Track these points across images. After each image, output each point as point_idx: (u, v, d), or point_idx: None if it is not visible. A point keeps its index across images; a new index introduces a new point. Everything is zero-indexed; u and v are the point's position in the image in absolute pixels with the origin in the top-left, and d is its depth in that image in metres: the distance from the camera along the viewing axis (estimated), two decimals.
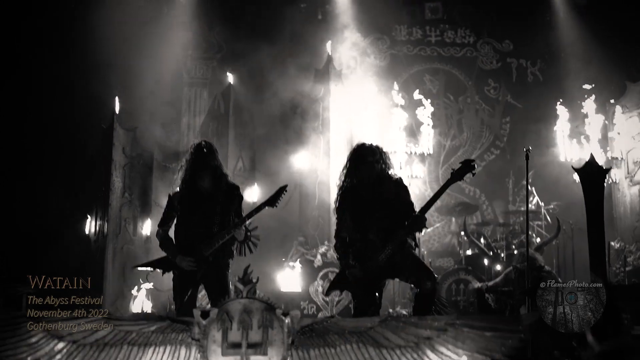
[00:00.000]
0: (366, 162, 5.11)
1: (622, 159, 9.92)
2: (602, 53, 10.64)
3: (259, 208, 5.34)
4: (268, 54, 10.24)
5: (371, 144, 5.26)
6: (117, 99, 9.00)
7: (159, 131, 9.46)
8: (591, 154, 4.51)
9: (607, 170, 4.52)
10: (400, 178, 5.30)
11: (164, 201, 5.67)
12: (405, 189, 5.21)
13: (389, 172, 5.20)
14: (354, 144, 5.57)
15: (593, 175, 4.42)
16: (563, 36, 11.15)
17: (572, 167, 4.58)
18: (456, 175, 4.96)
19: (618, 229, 9.68)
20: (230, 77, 9.81)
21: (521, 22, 11.12)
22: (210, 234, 5.24)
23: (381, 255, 4.97)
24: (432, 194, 10.75)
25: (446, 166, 10.87)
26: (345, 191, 5.22)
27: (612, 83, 10.36)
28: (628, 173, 9.89)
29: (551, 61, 11.32)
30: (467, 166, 4.92)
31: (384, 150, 5.25)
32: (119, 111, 8.97)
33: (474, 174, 4.95)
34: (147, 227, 8.79)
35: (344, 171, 5.25)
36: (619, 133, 9.96)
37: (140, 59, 9.57)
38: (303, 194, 9.94)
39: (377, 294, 5.14)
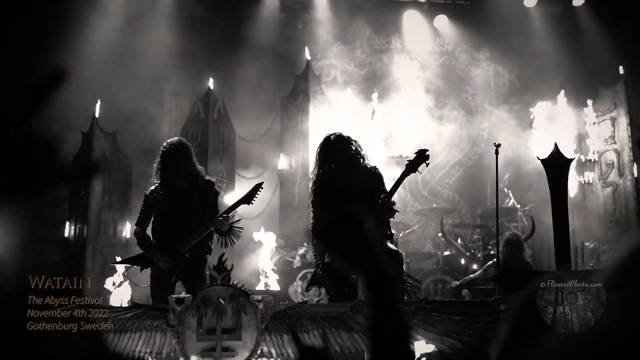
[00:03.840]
0: (335, 148, 5.05)
1: (595, 161, 10.13)
2: (576, 59, 10.91)
3: (234, 205, 5.42)
4: (248, 62, 10.40)
5: (340, 133, 5.20)
6: (97, 104, 9.12)
7: (139, 136, 9.53)
8: (555, 144, 4.64)
9: (571, 160, 4.64)
10: (374, 166, 5.20)
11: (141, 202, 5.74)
12: (379, 177, 5.11)
13: (362, 161, 5.13)
14: None
15: (557, 164, 4.55)
16: (538, 44, 11.37)
17: (537, 157, 4.71)
18: (411, 167, 4.89)
19: (591, 229, 9.85)
20: (211, 82, 9.92)
21: (497, 30, 11.32)
22: (187, 230, 5.32)
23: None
24: (411, 197, 11.01)
25: (426, 170, 10.97)
26: (317, 184, 5.18)
27: (585, 88, 10.57)
28: (601, 175, 10.09)
29: (527, 68, 11.52)
30: (421, 157, 4.87)
31: (354, 138, 5.19)
32: (99, 115, 9.07)
33: (427, 164, 4.91)
34: (127, 230, 8.86)
35: (316, 164, 5.22)
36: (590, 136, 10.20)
37: (121, 66, 9.69)
38: (282, 197, 10.03)
39: (350, 287, 5.14)
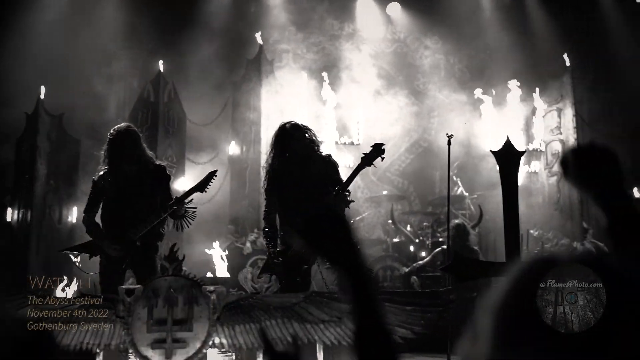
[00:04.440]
0: (293, 137, 5.04)
1: (541, 150, 10.37)
2: (525, 50, 11.09)
3: (188, 193, 5.33)
4: (200, 45, 10.22)
5: (296, 122, 5.20)
6: (42, 86, 8.85)
7: (87, 118, 9.29)
8: (507, 137, 4.71)
9: (522, 153, 4.72)
10: (329, 155, 5.24)
11: (89, 187, 5.60)
12: (333, 166, 5.13)
13: (317, 150, 5.16)
14: None
15: (509, 157, 4.62)
16: (488, 34, 11.50)
17: (490, 150, 4.78)
18: (366, 160, 4.92)
19: (536, 217, 10.09)
20: (161, 65, 9.72)
21: (449, 19, 11.40)
22: (137, 217, 5.21)
23: (298, 243, 4.93)
24: (361, 184, 11.05)
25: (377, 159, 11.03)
26: (273, 172, 5.16)
27: (534, 79, 10.77)
28: (547, 164, 10.34)
29: (477, 57, 11.66)
30: (377, 150, 4.89)
31: (309, 127, 5.21)
32: (45, 97, 8.81)
33: (383, 159, 4.95)
34: (73, 215, 8.64)
35: (271, 153, 5.20)
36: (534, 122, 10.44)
37: (68, 47, 9.42)
38: (233, 182, 9.95)
39: (303, 276, 5.16)
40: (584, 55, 10.97)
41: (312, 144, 5.12)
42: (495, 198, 9.57)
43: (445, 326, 4.81)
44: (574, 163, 1.43)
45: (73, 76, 9.33)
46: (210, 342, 4.10)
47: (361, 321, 1.40)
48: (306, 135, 5.11)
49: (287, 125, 5.18)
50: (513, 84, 10.68)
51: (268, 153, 5.27)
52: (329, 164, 5.15)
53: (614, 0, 11.13)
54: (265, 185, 5.28)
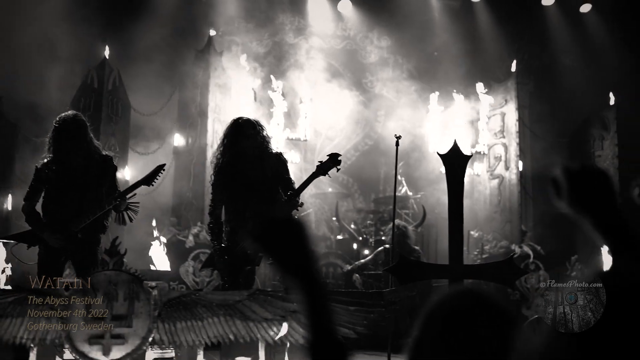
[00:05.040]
0: (247, 135, 4.99)
1: (484, 153, 10.56)
2: (472, 53, 11.29)
3: (134, 186, 5.22)
4: (147, 32, 9.98)
5: (249, 118, 5.18)
6: None
7: (26, 103, 8.97)
8: (454, 140, 4.75)
9: (469, 157, 4.78)
10: (280, 153, 5.25)
11: (28, 175, 5.42)
12: (284, 164, 5.14)
13: (268, 147, 5.14)
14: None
15: (455, 160, 4.66)
16: (437, 36, 11.64)
17: (437, 152, 4.83)
18: (321, 170, 4.92)
19: (477, 219, 10.29)
20: (106, 51, 9.45)
21: (398, 20, 11.49)
22: (80, 208, 5.08)
23: (247, 241, 4.91)
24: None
25: (322, 154, 11.05)
26: (222, 167, 5.10)
27: (480, 82, 10.95)
28: (489, 167, 10.54)
29: (425, 58, 11.78)
30: (332, 160, 4.91)
31: (261, 123, 5.19)
32: None
33: (338, 169, 4.96)
34: (9, 202, 8.34)
35: (221, 147, 5.14)
36: (483, 128, 10.62)
37: (7, 28, 9.08)
38: (177, 174, 9.79)
39: (246, 277, 5.12)
40: (527, 61, 11.23)
41: (263, 141, 5.10)
42: (437, 193, 9.77)
43: (386, 325, 4.85)
44: (569, 188, 1.39)
45: (12, 59, 9.00)
46: (150, 339, 4.01)
47: (310, 321, 1.39)
48: (260, 132, 5.09)
49: (239, 120, 5.14)
50: (459, 87, 10.85)
51: (218, 147, 5.22)
52: (280, 162, 5.15)
53: (558, 9, 11.42)
54: (213, 180, 5.22)
